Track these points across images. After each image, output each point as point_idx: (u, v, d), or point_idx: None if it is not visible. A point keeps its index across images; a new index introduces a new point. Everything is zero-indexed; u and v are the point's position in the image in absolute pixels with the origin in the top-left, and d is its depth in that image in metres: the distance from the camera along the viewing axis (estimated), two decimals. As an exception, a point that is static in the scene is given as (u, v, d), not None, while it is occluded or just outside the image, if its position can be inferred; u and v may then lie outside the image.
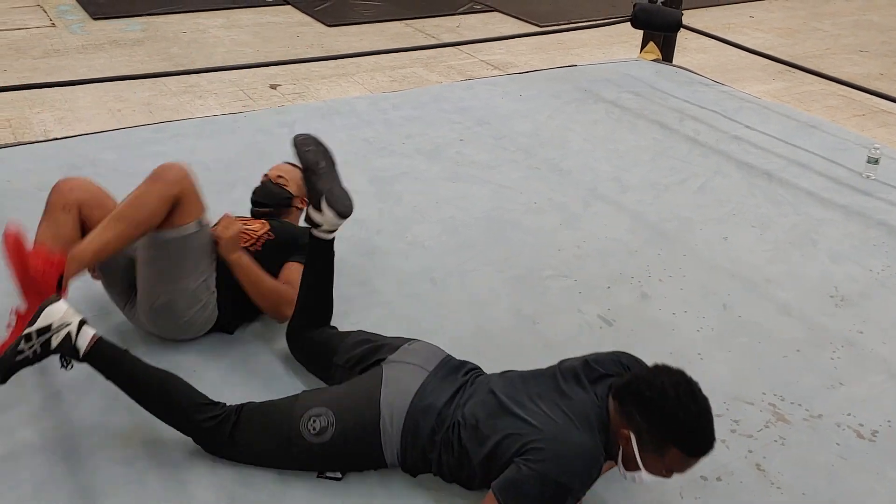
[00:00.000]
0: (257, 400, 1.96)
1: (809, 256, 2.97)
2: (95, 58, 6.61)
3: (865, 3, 10.02)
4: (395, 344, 2.06)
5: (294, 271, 2.42)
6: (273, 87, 5.82)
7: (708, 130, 4.07)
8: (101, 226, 2.14)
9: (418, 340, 2.09)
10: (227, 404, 1.92)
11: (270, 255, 2.43)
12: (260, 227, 2.51)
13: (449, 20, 8.36)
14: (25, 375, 1.93)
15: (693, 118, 4.22)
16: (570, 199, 3.34)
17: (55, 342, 1.82)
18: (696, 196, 3.41)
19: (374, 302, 2.61)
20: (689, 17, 4.90)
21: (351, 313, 2.52)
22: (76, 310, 1.89)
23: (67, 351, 1.83)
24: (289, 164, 2.70)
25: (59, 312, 1.83)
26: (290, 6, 8.15)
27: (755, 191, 3.46)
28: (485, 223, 3.13)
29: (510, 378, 1.91)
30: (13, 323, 1.99)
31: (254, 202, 2.68)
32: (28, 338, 1.80)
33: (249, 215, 2.67)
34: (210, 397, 1.92)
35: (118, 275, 2.33)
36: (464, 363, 2.04)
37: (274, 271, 2.41)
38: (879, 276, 2.87)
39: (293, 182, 2.67)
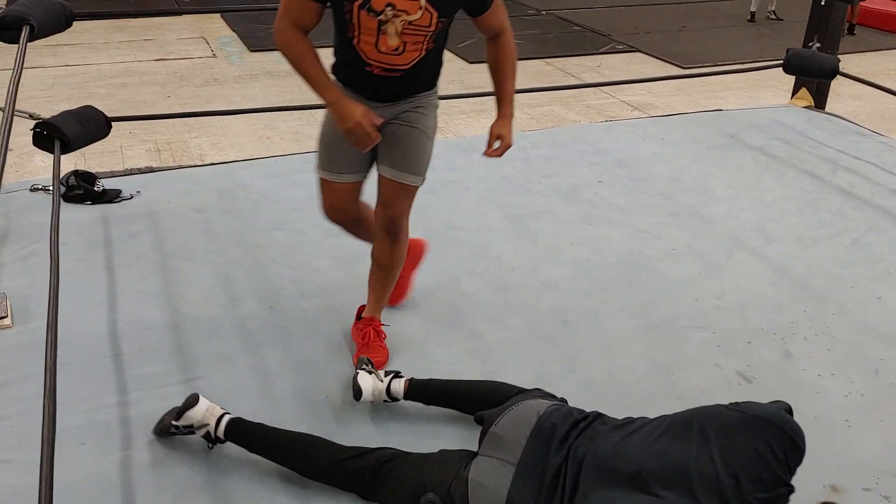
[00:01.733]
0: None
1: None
2: (250, 87, 7.01)
3: None
4: (495, 414, 1.93)
5: (493, 15, 2.22)
6: (414, 120, 6.00)
7: (863, 183, 3.86)
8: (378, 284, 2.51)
9: (520, 402, 1.95)
10: (370, 448, 1.97)
11: (443, 31, 2.16)
12: (420, 12, 2.06)
13: (590, 59, 8.36)
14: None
15: (847, 169, 4.01)
16: (710, 248, 3.23)
17: (198, 434, 2.06)
18: (848, 252, 3.23)
19: (504, 340, 2.61)
20: (844, 62, 4.69)
21: (480, 350, 2.53)
22: (213, 407, 2.06)
23: (210, 440, 2.05)
24: None
25: (198, 414, 2.04)
26: (433, 43, 8.39)
27: (915, 249, 3.25)
28: (620, 267, 3.08)
29: (633, 443, 1.74)
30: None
31: None
32: (175, 427, 2.06)
33: None
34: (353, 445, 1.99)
35: None
36: (567, 418, 1.85)
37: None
38: None
39: None
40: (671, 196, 3.69)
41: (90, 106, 3.32)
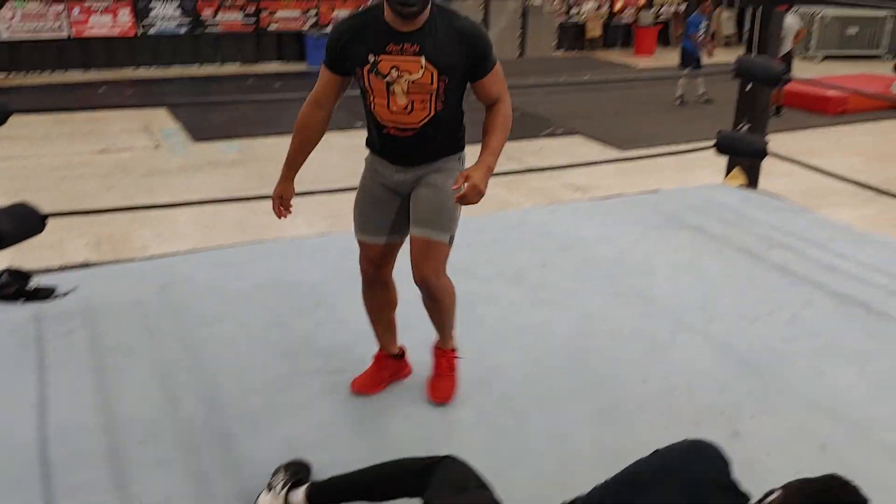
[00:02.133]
0: None
1: (916, 395, 2.80)
2: (194, 177, 6.99)
3: (959, 126, 9.82)
4: None
5: (491, 82, 2.40)
6: (359, 207, 6.02)
7: (798, 259, 3.96)
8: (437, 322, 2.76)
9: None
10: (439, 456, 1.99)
11: (449, 94, 2.36)
12: (422, 71, 2.30)
13: (532, 143, 8.56)
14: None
15: (782, 246, 4.13)
16: (655, 328, 3.26)
17: None
18: (788, 328, 3.29)
19: (453, 430, 2.56)
20: (774, 141, 4.88)
21: (428, 440, 2.48)
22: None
23: None
24: None
25: None
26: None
27: (852, 323, 3.32)
28: (568, 351, 3.07)
29: None
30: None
31: (399, 34, 2.30)
32: None
33: (386, 52, 2.31)
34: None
35: None
36: None
37: (457, 98, 2.40)
38: None
39: None
40: (615, 277, 3.73)
41: (23, 203, 3.26)
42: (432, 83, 2.31)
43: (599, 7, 14.53)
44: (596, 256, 3.96)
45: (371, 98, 2.37)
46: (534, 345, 3.11)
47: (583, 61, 13.50)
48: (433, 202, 2.46)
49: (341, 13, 12.83)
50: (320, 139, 2.51)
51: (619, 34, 14.99)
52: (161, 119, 9.10)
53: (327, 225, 5.51)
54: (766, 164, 5.11)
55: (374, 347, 2.82)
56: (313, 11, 13.48)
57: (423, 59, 2.29)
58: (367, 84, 2.35)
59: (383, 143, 2.46)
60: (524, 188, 6.76)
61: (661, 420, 2.65)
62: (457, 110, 2.45)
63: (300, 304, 3.36)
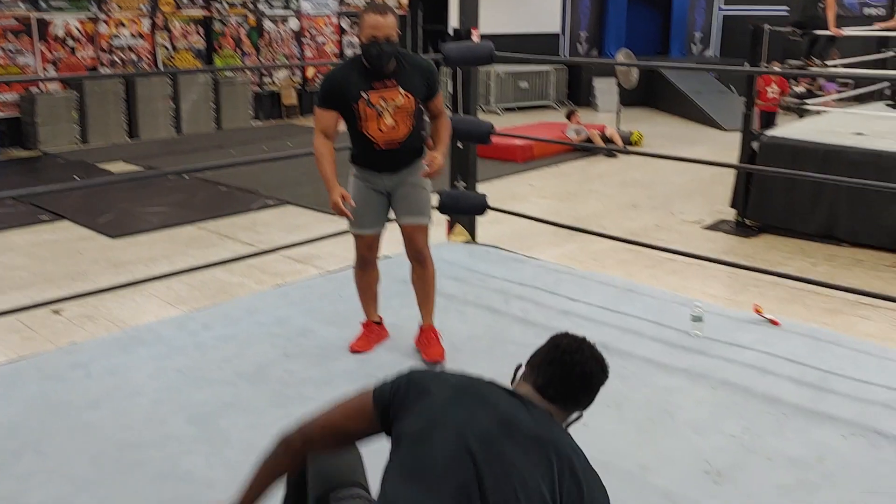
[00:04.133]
0: None
1: (672, 432, 2.88)
2: None
3: (623, 164, 11.06)
4: None
5: (438, 101, 3.37)
6: (56, 312, 5.21)
7: (535, 308, 4.04)
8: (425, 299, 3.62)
9: None
10: None
11: (419, 111, 3.32)
12: (402, 98, 3.22)
13: (243, 217, 8.15)
14: None
15: (518, 297, 4.19)
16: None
17: None
18: (543, 381, 3.28)
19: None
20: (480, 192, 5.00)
21: None
22: None
23: None
24: (376, 13, 3.12)
25: None
26: (67, 221, 7.60)
27: (598, 366, 3.40)
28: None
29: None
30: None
31: (379, 74, 3.19)
32: None
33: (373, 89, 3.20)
34: None
35: None
36: None
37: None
38: (742, 440, 2.82)
39: (392, 28, 3.13)
40: (364, 358, 3.51)
41: None
42: (411, 106, 3.23)
43: (292, 75, 14.53)
44: (339, 338, 3.70)
45: (363, 124, 3.22)
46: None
47: (282, 129, 13.33)
48: (418, 197, 3.40)
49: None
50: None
51: (314, 100, 15.09)
52: None
53: (20, 338, 4.69)
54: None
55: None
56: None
57: (401, 89, 3.21)
58: (360, 112, 3.20)
59: (375, 158, 3.30)
60: (242, 266, 6.31)
61: None
62: (422, 125, 3.37)
63: (-5, 455, 2.72)
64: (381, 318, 3.69)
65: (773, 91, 9.85)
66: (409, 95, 3.22)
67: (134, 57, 11.96)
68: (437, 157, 3.25)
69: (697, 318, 3.65)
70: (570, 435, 1.79)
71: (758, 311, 3.87)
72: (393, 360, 3.47)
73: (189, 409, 3.03)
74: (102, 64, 11.56)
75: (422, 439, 1.68)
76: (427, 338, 3.55)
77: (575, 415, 1.86)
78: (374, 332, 3.63)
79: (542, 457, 1.65)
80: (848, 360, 3.40)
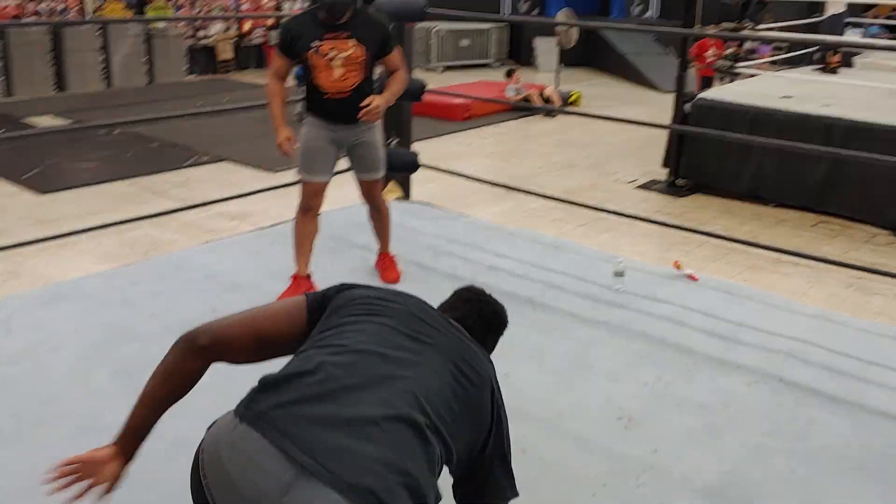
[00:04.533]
0: None
1: (589, 381, 3.00)
2: None
3: (562, 124, 11.17)
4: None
5: (394, 57, 3.54)
6: (-21, 270, 5.10)
7: (463, 264, 4.11)
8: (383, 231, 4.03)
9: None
10: None
11: (370, 64, 3.48)
12: (352, 48, 3.39)
13: (176, 174, 8.01)
14: None
15: (447, 253, 4.25)
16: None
17: None
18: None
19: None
20: (415, 150, 5.03)
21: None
22: None
23: None
24: None
25: None
26: (-10, 176, 7.38)
27: (522, 319, 3.48)
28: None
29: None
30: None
31: (334, 26, 3.36)
32: None
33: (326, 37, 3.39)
34: None
35: None
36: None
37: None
38: (655, 388, 2.95)
39: None
40: (292, 311, 3.54)
41: None
42: (360, 56, 3.39)
43: (228, 29, 14.18)
44: (270, 292, 3.72)
45: (316, 73, 3.42)
46: (214, 403, 2.79)
47: (217, 84, 13.06)
48: (373, 155, 3.67)
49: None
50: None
51: (251, 55, 14.78)
52: None
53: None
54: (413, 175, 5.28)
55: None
56: None
57: (352, 41, 3.37)
58: (311, 62, 3.40)
59: (326, 107, 3.48)
60: (176, 223, 6.24)
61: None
62: (372, 81, 3.54)
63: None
64: (310, 272, 3.75)
65: (711, 55, 10.03)
66: (360, 46, 3.38)
67: (61, 6, 11.55)
68: (376, 99, 3.40)
69: (619, 273, 3.77)
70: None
71: (677, 267, 4.01)
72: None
73: (114, 365, 3.02)
74: (27, 13, 11.13)
75: (352, 325, 1.66)
76: (385, 262, 3.94)
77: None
78: (302, 286, 3.65)
79: (452, 362, 1.66)
80: (759, 313, 3.56)
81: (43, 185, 7.11)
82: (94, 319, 3.36)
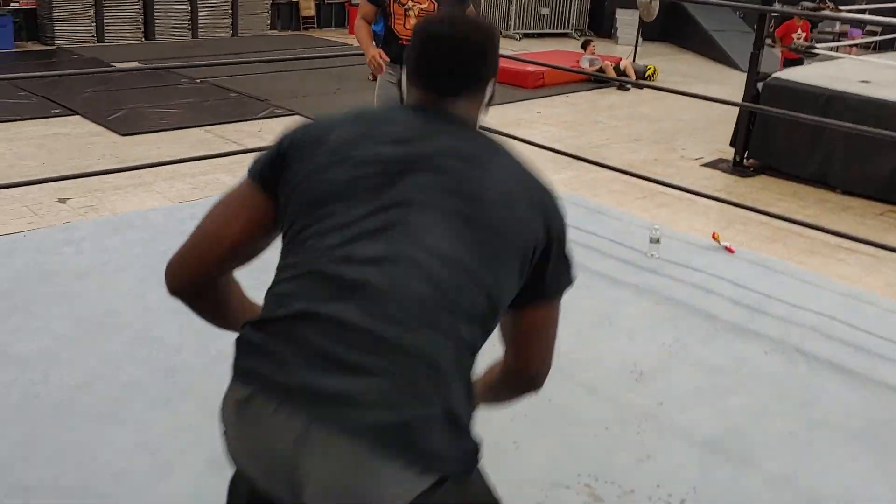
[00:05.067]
0: None
1: (608, 337, 3.12)
2: None
3: (635, 97, 11.07)
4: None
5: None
6: (62, 200, 5.47)
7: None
8: None
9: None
10: None
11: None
12: (428, 2, 3.85)
13: (250, 125, 8.33)
14: None
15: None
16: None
17: None
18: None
19: (175, 427, 2.43)
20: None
21: (150, 443, 2.33)
22: None
23: None
24: None
25: None
26: (78, 116, 7.80)
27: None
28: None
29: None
30: None
31: None
32: None
33: None
34: None
35: None
36: None
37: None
38: (671, 348, 3.05)
39: None
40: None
41: None
42: (433, 8, 3.83)
43: (311, -14, 14.45)
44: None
45: (393, 20, 3.88)
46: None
47: (298, 40, 13.36)
48: None
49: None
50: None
51: (332, 13, 15.03)
52: None
53: (26, 223, 4.97)
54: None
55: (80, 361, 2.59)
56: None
57: None
58: (391, 9, 3.87)
59: (400, 50, 3.72)
60: (245, 170, 6.54)
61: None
62: None
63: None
64: None
65: (797, 37, 9.76)
66: (435, 3, 3.86)
67: (154, -42, 11.96)
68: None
69: (655, 241, 3.85)
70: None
71: (715, 238, 4.06)
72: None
73: (169, 286, 3.28)
74: (121, -37, 11.59)
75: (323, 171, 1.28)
76: None
77: (489, 89, 1.46)
78: None
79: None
80: (788, 286, 3.61)
81: (125, 127, 7.49)
82: (155, 247, 3.64)
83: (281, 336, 1.17)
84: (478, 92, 1.42)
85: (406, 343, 1.13)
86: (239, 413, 1.17)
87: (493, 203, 1.26)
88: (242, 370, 1.19)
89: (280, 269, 1.27)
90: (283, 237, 1.32)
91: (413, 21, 3.83)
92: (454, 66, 1.36)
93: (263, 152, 1.42)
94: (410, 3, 3.85)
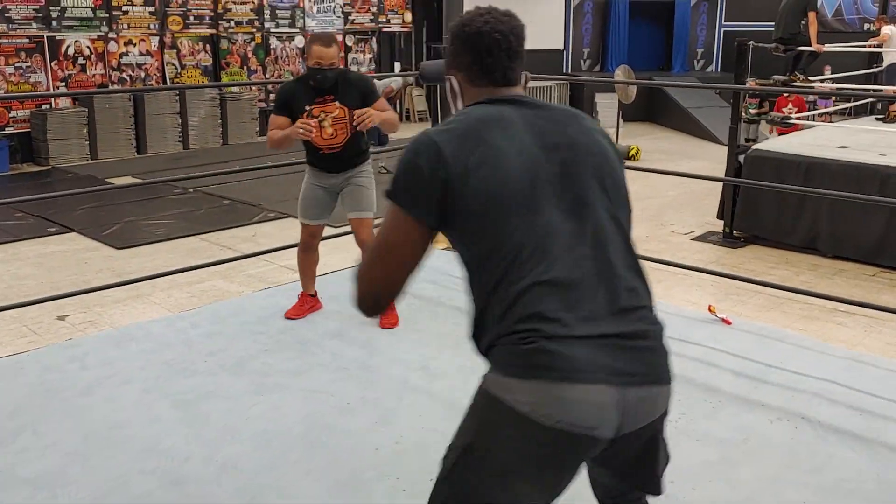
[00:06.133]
0: None
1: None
2: None
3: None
4: None
5: (380, 104, 3.90)
6: (61, 318, 5.50)
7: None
8: None
9: None
10: None
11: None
12: (339, 110, 3.85)
13: (244, 230, 8.44)
14: None
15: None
16: (381, 395, 3.33)
17: None
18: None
19: (187, 539, 2.41)
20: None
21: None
22: None
23: None
24: (321, 45, 3.80)
25: None
26: (75, 233, 7.91)
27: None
28: (299, 431, 3.04)
29: None
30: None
31: (322, 91, 3.84)
32: None
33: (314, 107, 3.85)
34: None
35: None
36: None
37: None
38: (677, 424, 3.05)
39: (335, 56, 3.79)
40: (338, 352, 3.77)
41: None
42: (346, 116, 3.86)
43: (297, 92, 14.90)
44: (317, 334, 3.98)
45: None
46: (264, 431, 3.03)
47: (287, 145, 13.68)
48: (362, 196, 4.06)
49: None
50: None
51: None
52: None
53: (26, 342, 4.99)
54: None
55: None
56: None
57: (338, 103, 3.85)
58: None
59: (321, 160, 3.98)
60: (242, 276, 6.60)
61: (398, 483, 2.70)
62: (362, 134, 4.01)
63: (-3, 433, 3.00)
64: (315, 291, 4.35)
65: (788, 111, 10.04)
66: (345, 108, 3.86)
67: (143, 74, 12.35)
68: (370, 110, 3.82)
69: (652, 317, 3.88)
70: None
71: (711, 311, 4.11)
72: (361, 356, 3.74)
73: (173, 396, 3.30)
74: (112, 81, 11.95)
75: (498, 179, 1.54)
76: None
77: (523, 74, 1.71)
78: (307, 302, 4.29)
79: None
80: (789, 354, 3.63)
81: (121, 241, 7.58)
82: (158, 357, 3.67)
83: None
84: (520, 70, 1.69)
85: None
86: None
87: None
88: None
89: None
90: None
91: (329, 130, 3.86)
92: (515, 55, 1.64)
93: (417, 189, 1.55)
94: (323, 115, 3.86)
